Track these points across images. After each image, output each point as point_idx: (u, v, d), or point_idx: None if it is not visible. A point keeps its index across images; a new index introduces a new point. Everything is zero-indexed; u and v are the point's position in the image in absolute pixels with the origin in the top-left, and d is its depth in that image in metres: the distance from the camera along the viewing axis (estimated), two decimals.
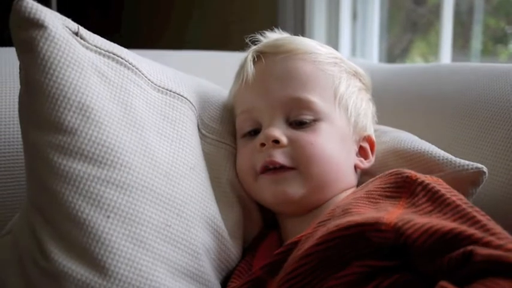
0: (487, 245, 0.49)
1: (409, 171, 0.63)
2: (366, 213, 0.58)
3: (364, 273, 0.55)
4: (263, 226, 0.80)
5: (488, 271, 0.47)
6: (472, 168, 0.71)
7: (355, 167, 0.77)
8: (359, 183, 0.79)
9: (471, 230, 0.50)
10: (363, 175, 0.80)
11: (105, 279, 0.57)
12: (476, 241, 0.49)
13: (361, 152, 0.79)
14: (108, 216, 0.59)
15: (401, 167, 0.76)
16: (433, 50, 1.86)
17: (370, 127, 0.81)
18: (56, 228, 0.58)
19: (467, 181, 0.70)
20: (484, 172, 0.71)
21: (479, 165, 0.71)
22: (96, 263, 0.57)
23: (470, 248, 0.48)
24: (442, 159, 0.73)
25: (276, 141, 0.71)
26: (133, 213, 0.61)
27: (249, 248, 0.77)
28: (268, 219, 0.80)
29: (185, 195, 0.67)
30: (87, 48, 0.65)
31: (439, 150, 0.76)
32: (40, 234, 0.59)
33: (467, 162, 0.72)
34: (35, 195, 0.61)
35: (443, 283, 0.48)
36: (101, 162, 0.60)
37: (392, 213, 0.56)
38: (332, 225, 0.58)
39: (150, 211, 0.62)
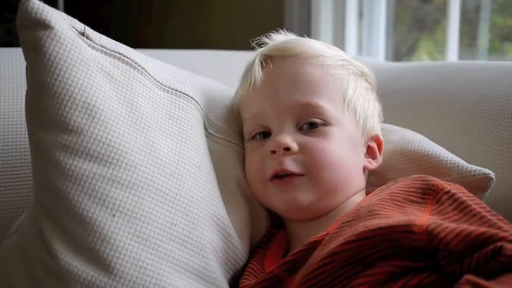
0: None
1: (435, 178, 0.64)
2: (394, 215, 0.59)
3: (393, 273, 0.55)
4: (271, 225, 0.80)
5: None
6: (479, 174, 0.71)
7: (364, 169, 0.77)
8: (366, 183, 0.79)
9: (502, 233, 0.52)
10: (370, 175, 0.80)
11: (111, 278, 0.57)
12: (509, 242, 0.50)
13: (369, 152, 0.78)
14: (114, 215, 0.59)
15: (408, 168, 0.76)
16: (440, 48, 1.85)
17: (377, 127, 0.81)
18: (61, 227, 0.59)
19: (474, 186, 0.70)
20: (492, 178, 0.71)
21: (487, 171, 0.71)
22: (102, 262, 0.57)
23: (500, 243, 0.50)
24: (450, 163, 0.73)
25: (287, 149, 0.70)
26: (139, 212, 0.61)
27: (257, 247, 0.77)
28: (275, 218, 0.80)
29: (191, 194, 0.67)
30: (93, 48, 0.65)
31: (447, 152, 0.76)
32: (46, 233, 0.59)
33: (474, 167, 0.72)
34: (41, 195, 0.61)
35: (468, 276, 0.49)
36: (106, 162, 0.61)
37: (422, 217, 0.57)
38: (361, 226, 0.58)
39: (156, 210, 0.62)
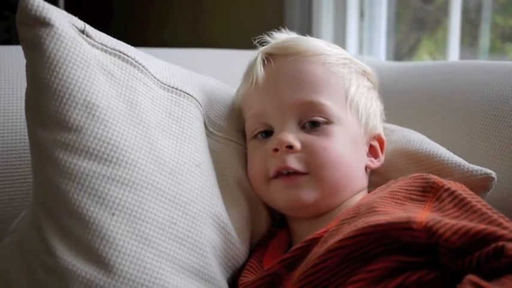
0: None
1: (435, 176, 0.64)
2: (393, 212, 0.59)
3: (392, 268, 0.55)
4: (271, 224, 0.79)
5: None
6: (480, 174, 0.71)
7: (366, 168, 0.77)
8: (368, 183, 0.79)
9: (502, 231, 0.51)
10: (371, 175, 0.80)
11: (110, 277, 0.57)
12: (508, 240, 0.50)
13: (371, 151, 0.78)
14: (113, 214, 0.59)
15: (410, 168, 0.76)
16: (441, 48, 1.84)
17: (379, 126, 0.81)
18: (61, 226, 0.59)
19: (476, 186, 0.70)
20: (493, 178, 0.71)
21: (488, 171, 0.71)
22: (101, 261, 0.57)
23: (501, 243, 0.50)
24: (451, 163, 0.73)
25: (290, 147, 0.70)
26: (138, 211, 0.61)
27: (257, 246, 0.77)
28: (276, 217, 0.79)
29: (191, 193, 0.67)
30: (93, 46, 0.65)
31: (449, 152, 0.76)
32: (45, 231, 0.59)
33: (476, 167, 0.72)
34: (41, 193, 0.61)
35: (470, 276, 0.49)
36: (106, 160, 0.60)
37: (422, 214, 0.57)
38: (360, 222, 0.58)
39: (155, 209, 0.62)
